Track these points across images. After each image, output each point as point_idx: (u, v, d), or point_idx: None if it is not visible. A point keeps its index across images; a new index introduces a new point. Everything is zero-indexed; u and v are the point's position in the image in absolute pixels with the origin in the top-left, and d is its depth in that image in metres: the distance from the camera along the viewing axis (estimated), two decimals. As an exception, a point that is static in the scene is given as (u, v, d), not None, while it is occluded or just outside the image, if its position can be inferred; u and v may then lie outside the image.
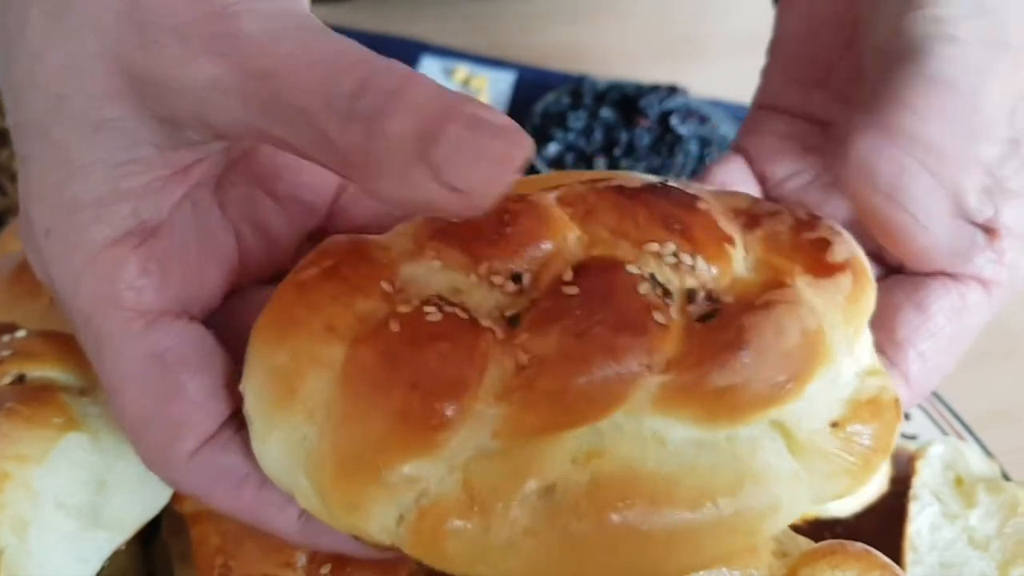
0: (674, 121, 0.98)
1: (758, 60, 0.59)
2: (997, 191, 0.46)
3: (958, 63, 0.42)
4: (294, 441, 0.39)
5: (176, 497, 0.52)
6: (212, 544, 0.51)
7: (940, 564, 0.58)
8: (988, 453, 0.69)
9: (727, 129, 0.99)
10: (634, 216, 0.41)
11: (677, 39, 1.19)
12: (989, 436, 0.72)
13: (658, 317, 0.38)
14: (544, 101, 1.06)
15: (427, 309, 0.38)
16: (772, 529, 0.39)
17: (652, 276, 0.39)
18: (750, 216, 0.44)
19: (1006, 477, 0.65)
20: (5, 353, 0.52)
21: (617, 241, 0.41)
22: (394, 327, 0.38)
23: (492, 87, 1.14)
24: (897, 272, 0.49)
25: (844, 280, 0.42)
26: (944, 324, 0.47)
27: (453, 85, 1.13)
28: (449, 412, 0.36)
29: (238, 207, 0.47)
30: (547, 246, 0.40)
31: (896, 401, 0.42)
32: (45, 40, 0.39)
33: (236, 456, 0.42)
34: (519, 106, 1.10)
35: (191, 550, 0.52)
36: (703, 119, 1.00)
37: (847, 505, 0.61)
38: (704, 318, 0.39)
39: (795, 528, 0.50)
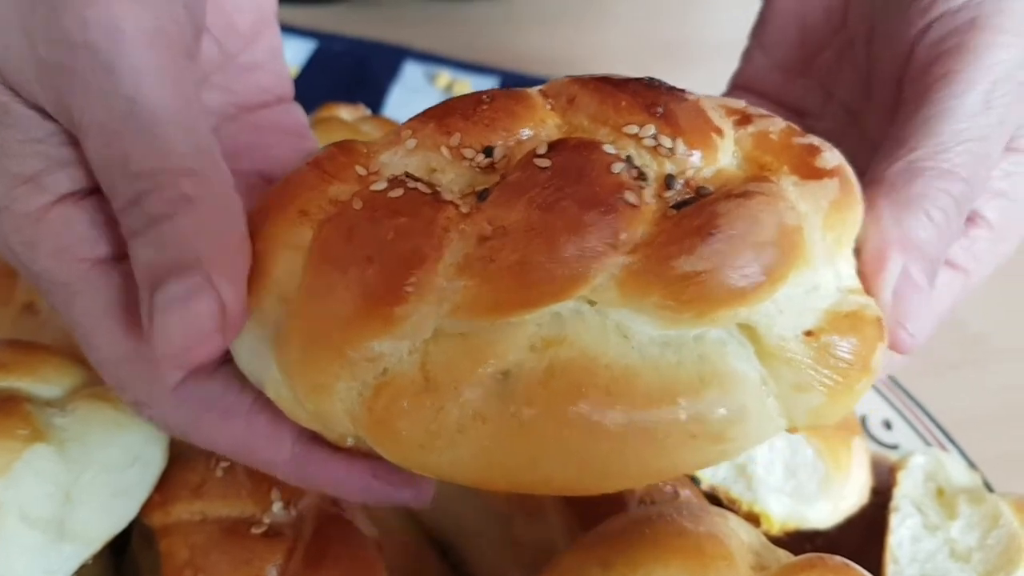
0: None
1: (739, 66, 0.59)
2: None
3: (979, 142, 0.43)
4: (265, 326, 0.39)
5: (146, 510, 0.52)
6: (181, 557, 0.50)
7: (921, 576, 0.58)
8: (971, 463, 0.69)
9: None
10: (616, 101, 0.40)
11: (659, 44, 1.19)
12: (969, 443, 0.72)
13: (629, 197, 0.37)
14: (527, 107, 1.05)
15: (391, 186, 0.38)
16: (739, 442, 0.37)
17: (629, 158, 0.39)
18: (743, 115, 0.43)
19: (988, 488, 0.65)
20: (-29, 363, 0.51)
21: (597, 128, 0.40)
22: (356, 205, 0.38)
23: (474, 93, 1.14)
24: None
25: (831, 184, 0.40)
26: None
27: (436, 90, 1.13)
28: (406, 286, 0.36)
29: None
30: (525, 132, 0.40)
31: (879, 320, 0.39)
32: None
33: (223, 383, 0.42)
34: (502, 112, 1.10)
35: (160, 563, 0.51)
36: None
37: (828, 517, 0.61)
38: (680, 205, 0.37)
39: (775, 541, 0.50)
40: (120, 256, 0.42)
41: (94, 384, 0.52)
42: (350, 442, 0.40)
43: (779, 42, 0.56)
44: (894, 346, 0.40)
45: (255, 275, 0.40)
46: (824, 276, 0.39)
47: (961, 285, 0.48)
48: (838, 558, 0.46)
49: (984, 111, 0.44)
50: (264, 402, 0.42)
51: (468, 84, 1.14)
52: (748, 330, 0.37)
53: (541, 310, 0.36)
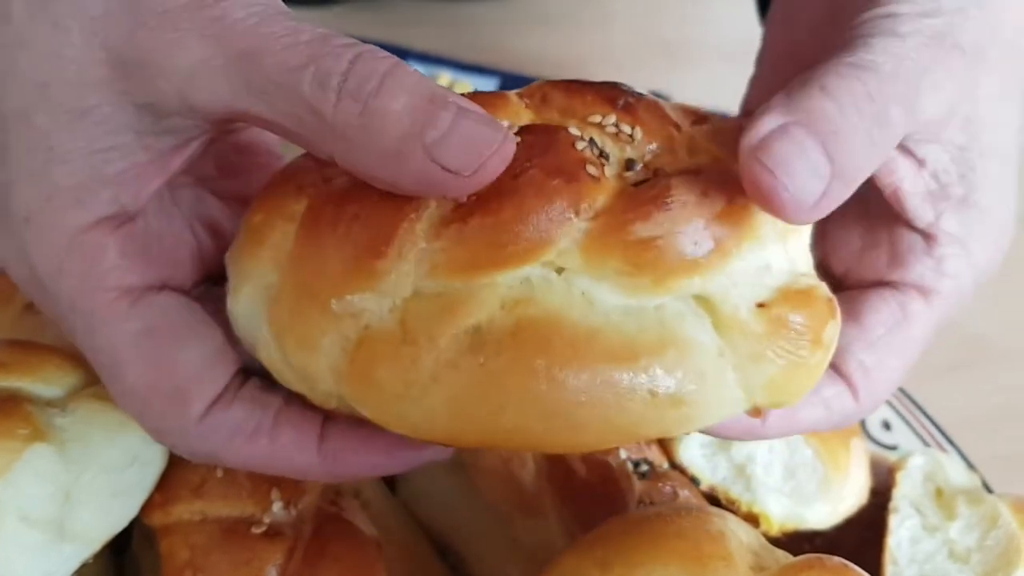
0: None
1: (740, 68, 0.59)
2: (940, 196, 0.46)
3: (889, 54, 0.41)
4: (260, 289, 0.42)
5: (146, 510, 0.52)
6: (181, 557, 0.50)
7: (920, 577, 0.58)
8: (969, 464, 0.69)
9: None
10: (582, 96, 0.44)
11: (659, 46, 1.19)
12: (968, 444, 0.72)
13: (591, 170, 0.40)
14: (526, 108, 1.05)
15: None
16: (698, 409, 0.39)
17: (592, 140, 0.42)
18: (699, 115, 0.46)
19: (987, 488, 0.65)
20: (-29, 362, 0.51)
21: (565, 120, 0.43)
22: (347, 178, 0.41)
23: (474, 93, 1.14)
24: (837, 286, 0.48)
25: None
26: (883, 334, 0.47)
27: (435, 91, 1.13)
28: (386, 242, 0.38)
29: (188, 206, 0.48)
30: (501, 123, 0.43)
31: (830, 301, 0.42)
32: (29, 29, 0.40)
33: (244, 408, 0.43)
34: (501, 112, 1.10)
35: (161, 563, 0.51)
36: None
37: (826, 518, 0.61)
38: (639, 184, 0.41)
39: (774, 541, 0.50)
40: (146, 288, 0.43)
41: (94, 384, 0.52)
42: (333, 404, 0.41)
43: (776, 67, 0.56)
44: (763, 193, 0.38)
45: (253, 242, 0.42)
46: (776, 257, 0.42)
47: (940, 310, 0.47)
48: (837, 559, 0.46)
49: (894, 28, 0.42)
50: (284, 415, 0.43)
51: (468, 85, 1.14)
52: (704, 302, 0.40)
53: (511, 271, 0.38)
